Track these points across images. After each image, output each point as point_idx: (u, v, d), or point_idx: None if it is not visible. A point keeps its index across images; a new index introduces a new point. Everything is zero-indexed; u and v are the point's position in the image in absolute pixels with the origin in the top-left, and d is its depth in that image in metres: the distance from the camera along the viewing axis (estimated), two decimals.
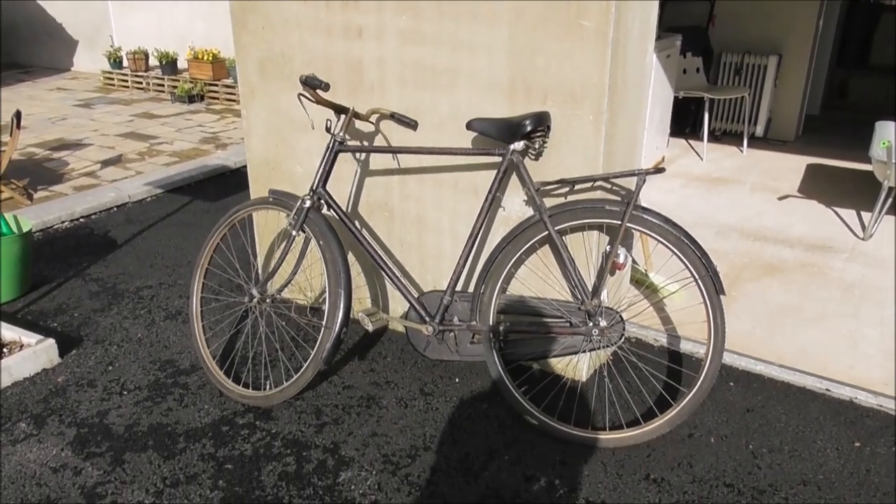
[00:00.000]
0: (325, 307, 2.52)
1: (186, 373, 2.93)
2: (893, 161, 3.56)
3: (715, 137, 6.11)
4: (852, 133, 6.53)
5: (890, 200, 3.77)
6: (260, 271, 3.17)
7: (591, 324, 2.35)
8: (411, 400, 2.69)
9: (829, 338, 2.94)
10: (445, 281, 2.92)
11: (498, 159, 2.50)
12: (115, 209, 4.98)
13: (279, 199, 2.71)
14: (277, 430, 2.54)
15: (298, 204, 2.60)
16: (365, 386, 2.79)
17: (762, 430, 2.46)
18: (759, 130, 6.07)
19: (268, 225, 3.40)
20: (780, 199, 4.74)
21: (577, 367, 2.70)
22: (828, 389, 2.67)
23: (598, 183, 2.45)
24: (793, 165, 5.39)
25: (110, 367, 2.98)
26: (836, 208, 4.51)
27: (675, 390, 2.65)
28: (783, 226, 4.16)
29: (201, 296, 2.94)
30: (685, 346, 2.93)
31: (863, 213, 4.33)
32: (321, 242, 2.57)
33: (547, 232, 2.37)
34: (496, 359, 2.47)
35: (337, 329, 2.49)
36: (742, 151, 5.77)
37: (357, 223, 3.07)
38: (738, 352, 2.86)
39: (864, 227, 4.04)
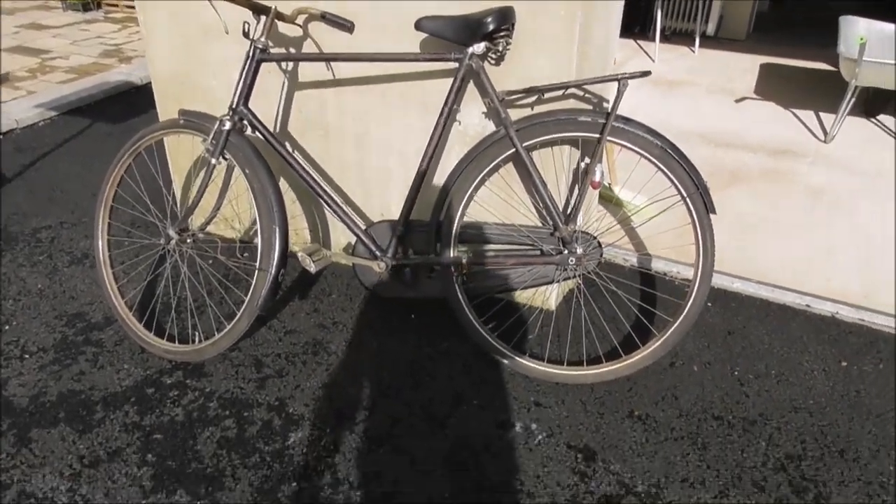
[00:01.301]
0: (258, 245, 2.16)
1: (99, 327, 2.54)
2: (863, 59, 3.36)
3: (665, 37, 5.81)
4: (804, 31, 6.34)
5: (853, 101, 3.60)
6: (177, 207, 2.74)
7: (565, 252, 2.08)
8: (363, 342, 2.39)
9: (803, 250, 2.78)
10: (395, 209, 2.59)
11: (454, 65, 2.13)
12: (1, 137, 4.36)
13: (192, 122, 2.27)
14: (212, 389, 2.22)
15: (216, 126, 2.19)
16: (310, 329, 2.47)
17: (746, 354, 2.29)
18: (711, 29, 5.80)
19: (182, 151, 2.94)
20: (738, 101, 4.52)
21: (546, 295, 2.45)
22: (808, 305, 2.52)
23: (571, 90, 2.12)
24: (747, 65, 5.17)
25: (6, 328, 2.56)
26: (794, 110, 4.33)
27: (653, 315, 2.45)
28: (743, 130, 3.94)
29: (108, 238, 2.52)
30: (658, 266, 2.72)
31: (822, 115, 4.17)
32: (247, 171, 2.18)
33: (514, 149, 2.05)
34: (459, 295, 2.18)
35: (273, 271, 2.14)
36: (694, 52, 5.50)
37: (288, 145, 2.67)
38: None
39: (824, 130, 3.89)
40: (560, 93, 2.13)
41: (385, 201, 2.60)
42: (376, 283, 2.29)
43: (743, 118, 4.26)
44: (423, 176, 2.14)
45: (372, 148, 2.51)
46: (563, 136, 2.05)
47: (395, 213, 2.58)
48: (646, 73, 2.00)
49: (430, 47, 2.21)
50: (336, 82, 2.45)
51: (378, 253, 2.21)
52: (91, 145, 4.22)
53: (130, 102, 4.91)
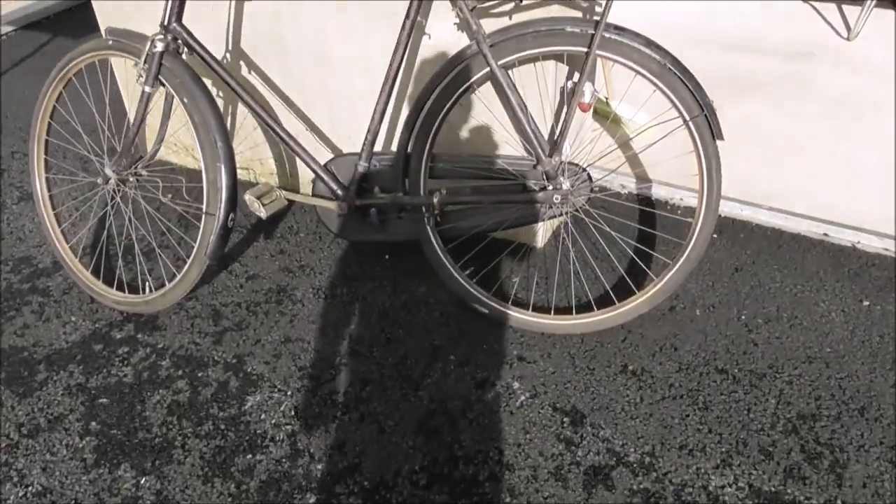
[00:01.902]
0: (203, 186, 1.90)
1: (47, 273, 2.33)
2: None
3: None
4: None
5: None
6: (115, 141, 2.46)
7: (550, 187, 1.81)
8: (332, 288, 2.17)
9: (821, 168, 2.48)
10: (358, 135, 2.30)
11: None
12: None
13: (120, 42, 1.97)
14: (165, 345, 2.02)
15: (147, 48, 1.88)
16: (274, 274, 2.25)
17: (755, 294, 2.05)
18: None
19: (119, 75, 2.63)
20: None
21: (531, 232, 2.20)
22: (826, 234, 2.25)
23: None
24: None
25: None
26: (812, 2, 3.90)
27: (650, 253, 2.20)
28: (755, 28, 3.54)
29: (46, 176, 2.26)
30: (659, 192, 2.45)
31: (844, 7, 3.74)
32: (185, 100, 1.89)
33: (488, 68, 1.74)
34: (432, 237, 1.94)
35: (221, 216, 1.89)
36: None
37: (244, 65, 2.35)
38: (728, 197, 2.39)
39: (847, 25, 3.48)
40: None
41: (353, 129, 2.31)
42: (340, 226, 2.04)
43: (755, 13, 3.85)
44: (386, 101, 1.85)
45: (335, 67, 2.20)
46: (544, 50, 1.74)
47: (360, 140, 2.30)
48: None
49: None
50: None
51: (339, 192, 1.95)
52: (49, 64, 3.86)
53: (93, 14, 4.51)
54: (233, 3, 2.24)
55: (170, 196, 2.20)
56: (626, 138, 2.34)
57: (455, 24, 1.91)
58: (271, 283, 2.21)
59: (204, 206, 1.91)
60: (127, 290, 2.16)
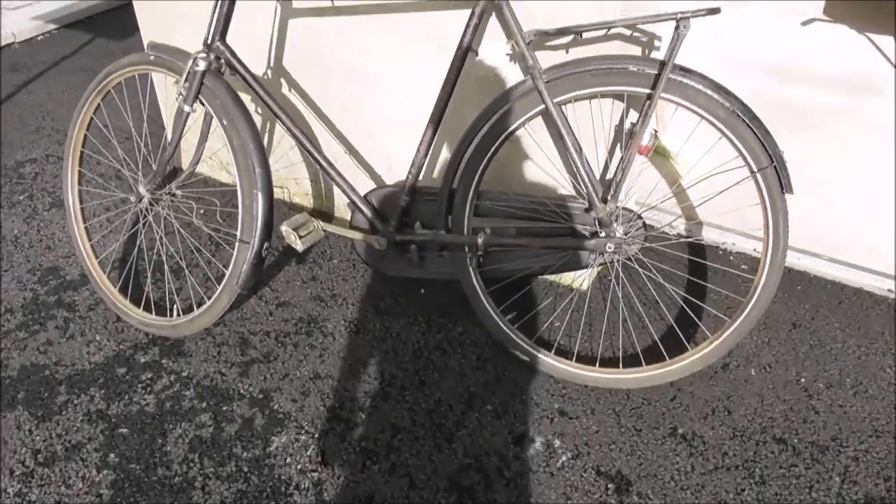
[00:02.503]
0: (239, 212, 1.82)
1: (74, 286, 2.27)
2: None
3: None
4: None
5: None
6: (150, 158, 2.39)
7: (603, 234, 1.70)
8: (364, 322, 2.08)
9: (886, 218, 2.33)
10: (402, 163, 2.20)
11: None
12: None
13: (162, 58, 1.90)
14: (190, 373, 1.94)
15: (189, 66, 1.81)
16: (305, 302, 2.16)
17: (815, 354, 1.92)
18: None
19: (167, 90, 2.57)
20: (804, 24, 3.93)
21: (576, 274, 2.08)
22: (890, 291, 2.11)
23: (617, 30, 1.68)
24: None
25: None
26: (869, 34, 3.73)
27: (702, 298, 2.07)
28: (811, 59, 3.39)
29: (79, 189, 2.20)
30: (710, 236, 2.32)
31: None
32: (224, 122, 1.81)
33: (542, 106, 1.64)
34: (474, 279, 1.83)
35: (256, 244, 1.81)
36: None
37: (284, 83, 2.28)
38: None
39: None
40: (603, 32, 1.69)
41: (391, 152, 2.22)
42: (377, 260, 1.94)
43: (811, 44, 3.69)
44: (433, 134, 1.75)
45: (378, 89, 2.11)
46: (604, 90, 1.63)
47: (401, 169, 2.21)
48: (714, 11, 1.55)
49: None
50: (336, 11, 2.03)
51: (379, 226, 1.85)
52: (89, 64, 3.86)
53: (134, 15, 4.48)
54: (276, 20, 2.17)
55: (203, 220, 2.12)
56: (680, 182, 2.21)
57: (507, 55, 1.82)
58: (302, 312, 2.12)
59: (238, 233, 1.83)
60: (154, 311, 2.08)
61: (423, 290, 2.17)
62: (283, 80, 2.29)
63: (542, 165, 1.92)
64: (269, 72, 2.29)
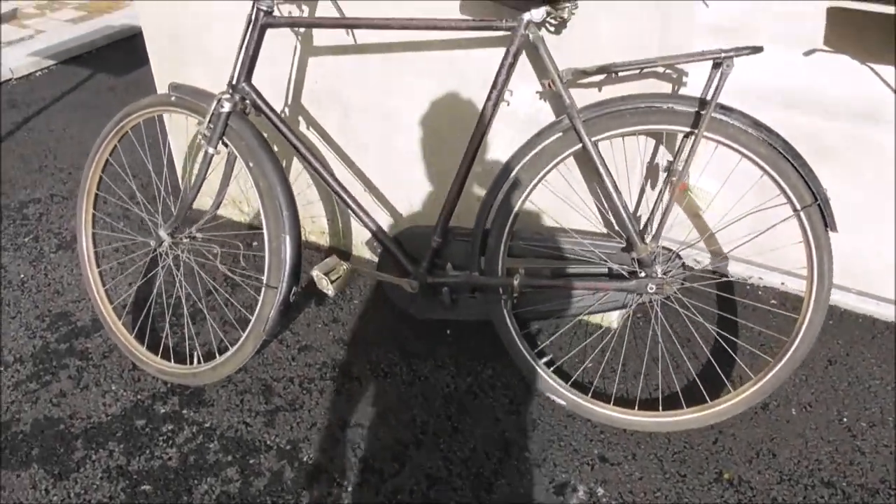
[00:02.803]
0: (266, 256, 1.77)
1: (86, 333, 2.19)
2: None
3: None
4: None
5: None
6: (170, 202, 2.33)
7: (643, 274, 1.66)
8: (391, 365, 2.02)
9: None
10: (424, 201, 2.17)
11: (506, 34, 1.67)
12: None
13: (185, 100, 1.85)
14: (213, 424, 1.87)
15: (213, 107, 1.76)
16: (328, 345, 2.10)
17: (854, 392, 1.88)
18: None
19: (181, 129, 2.53)
20: (806, 54, 3.96)
21: (609, 313, 2.04)
22: None
23: (654, 69, 1.66)
24: (810, 9, 4.53)
25: None
26: (871, 64, 3.77)
27: (735, 335, 2.03)
28: (816, 89, 3.40)
29: (93, 232, 2.14)
30: (735, 270, 2.29)
31: None
32: (250, 164, 1.77)
33: (580, 145, 1.61)
34: (508, 321, 1.79)
35: (283, 290, 1.75)
36: None
37: (302, 121, 2.24)
38: (804, 275, 2.22)
39: None
40: (638, 71, 1.67)
41: (412, 191, 2.18)
42: (406, 302, 1.89)
43: (814, 74, 3.71)
44: (466, 173, 1.72)
45: (400, 128, 2.08)
46: (643, 128, 1.60)
47: (424, 208, 2.17)
48: (757, 50, 1.54)
49: (475, 12, 1.75)
50: (358, 49, 2.01)
51: (409, 267, 1.80)
52: (90, 100, 3.81)
53: (135, 49, 4.44)
54: (296, 57, 2.14)
55: (225, 263, 2.05)
56: (701, 214, 2.18)
57: (538, 92, 1.79)
58: (325, 356, 2.06)
59: (265, 278, 1.78)
60: (172, 359, 2.01)
61: (448, 332, 2.11)
62: (300, 118, 2.26)
63: (575, 203, 1.89)
64: (287, 109, 2.26)
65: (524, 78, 1.81)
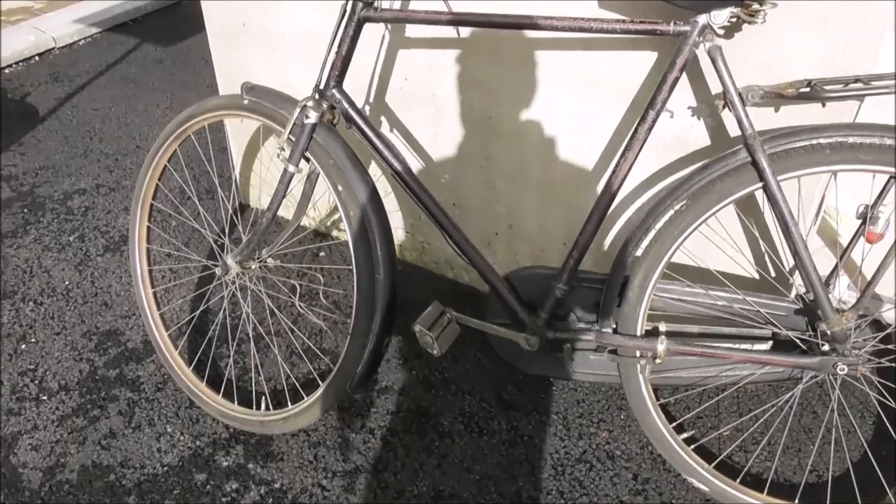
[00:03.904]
0: (354, 299, 1.48)
1: (137, 357, 1.94)
2: None
3: None
4: None
5: None
6: (239, 226, 2.01)
7: (827, 347, 1.33)
8: (487, 419, 1.73)
9: None
10: (545, 245, 1.85)
11: (674, 39, 1.33)
12: (37, 58, 3.70)
13: (260, 105, 1.55)
14: (284, 485, 1.60)
15: (296, 116, 1.46)
16: (411, 387, 1.82)
17: None
18: None
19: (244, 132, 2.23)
20: None
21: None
22: None
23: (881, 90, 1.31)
24: None
25: (23, 346, 1.98)
26: None
27: None
28: None
29: (148, 247, 1.86)
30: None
31: None
32: (340, 188, 1.46)
33: (760, 183, 1.28)
34: (644, 389, 1.48)
35: (375, 339, 1.46)
36: None
37: (385, 120, 1.93)
38: None
39: None
40: (841, 87, 1.31)
41: (512, 213, 1.87)
42: (516, 356, 1.58)
43: None
44: (605, 209, 1.40)
45: (507, 138, 1.76)
46: (844, 168, 1.26)
47: (534, 244, 1.86)
48: None
49: (617, 7, 1.41)
50: (460, 44, 1.68)
51: (525, 318, 1.49)
52: (136, 74, 3.53)
53: (186, 16, 4.15)
54: (382, 51, 1.82)
55: (302, 297, 1.76)
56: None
57: (691, 108, 1.45)
58: (409, 402, 1.78)
59: (352, 323, 1.49)
60: (237, 400, 1.75)
61: (551, 379, 1.81)
62: (383, 119, 1.95)
63: (736, 252, 1.56)
64: (367, 108, 1.95)
65: (685, 97, 1.48)
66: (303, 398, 1.61)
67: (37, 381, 1.87)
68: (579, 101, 1.60)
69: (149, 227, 1.85)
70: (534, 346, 1.46)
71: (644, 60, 1.48)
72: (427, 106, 1.85)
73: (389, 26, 1.76)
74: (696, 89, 1.44)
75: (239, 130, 2.29)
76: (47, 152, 2.88)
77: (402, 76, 1.85)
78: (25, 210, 2.53)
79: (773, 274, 1.58)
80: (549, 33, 1.54)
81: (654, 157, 1.55)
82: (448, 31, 1.69)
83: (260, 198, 2.39)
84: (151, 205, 1.83)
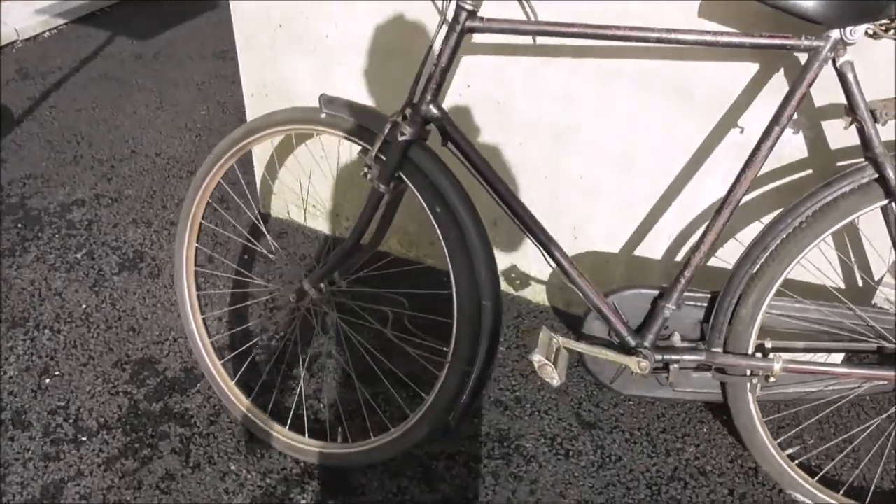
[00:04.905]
0: (454, 326, 1.39)
1: (181, 387, 1.80)
2: None
3: None
4: None
5: None
6: (268, 237, 1.86)
7: None
8: (570, 439, 1.68)
9: None
10: (604, 244, 1.80)
11: (799, 55, 1.29)
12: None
13: (342, 120, 1.44)
14: None
15: (386, 133, 1.36)
16: (487, 409, 1.75)
17: None
18: None
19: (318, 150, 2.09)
20: None
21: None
22: None
23: None
24: None
25: (47, 380, 1.81)
26: None
27: None
28: None
29: (195, 269, 1.72)
30: None
31: None
32: (438, 209, 1.37)
33: (886, 201, 1.26)
34: (753, 409, 1.45)
35: (479, 370, 1.39)
36: None
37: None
38: None
39: None
40: None
41: (580, 225, 1.81)
42: (611, 377, 1.53)
43: None
44: (724, 224, 1.35)
45: (581, 149, 1.70)
46: None
47: (603, 250, 1.81)
48: None
49: (718, 15, 1.37)
50: (533, 50, 1.61)
51: (632, 341, 1.44)
52: (116, 71, 3.29)
53: (159, 7, 3.90)
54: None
55: (391, 331, 1.65)
56: None
57: (792, 122, 1.43)
58: (488, 426, 1.71)
59: (450, 351, 1.40)
60: (307, 432, 1.64)
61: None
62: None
63: (830, 266, 1.55)
64: None
65: (765, 100, 1.44)
66: (388, 429, 1.52)
67: (71, 421, 1.71)
68: (668, 113, 1.55)
69: (197, 249, 1.71)
70: (645, 369, 1.41)
71: (743, 71, 1.44)
72: (490, 114, 1.77)
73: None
74: (808, 104, 1.41)
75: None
76: (32, 159, 2.66)
77: (464, 83, 1.76)
78: (20, 225, 2.33)
79: (867, 285, 1.57)
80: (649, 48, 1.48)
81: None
82: (523, 38, 1.61)
83: (289, 210, 2.26)
84: (201, 224, 1.69)
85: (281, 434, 1.63)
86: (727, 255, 1.62)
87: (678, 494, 1.56)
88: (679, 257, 1.74)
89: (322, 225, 2.26)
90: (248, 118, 2.20)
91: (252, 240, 2.12)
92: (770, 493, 1.56)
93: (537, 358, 1.34)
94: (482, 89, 1.75)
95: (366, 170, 1.41)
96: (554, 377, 1.34)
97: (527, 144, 1.77)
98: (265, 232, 2.16)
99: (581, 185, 1.76)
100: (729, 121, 1.50)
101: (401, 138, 1.35)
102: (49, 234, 2.29)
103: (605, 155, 1.68)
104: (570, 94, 1.64)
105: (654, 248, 1.76)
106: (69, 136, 2.80)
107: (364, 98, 1.88)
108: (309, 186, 2.12)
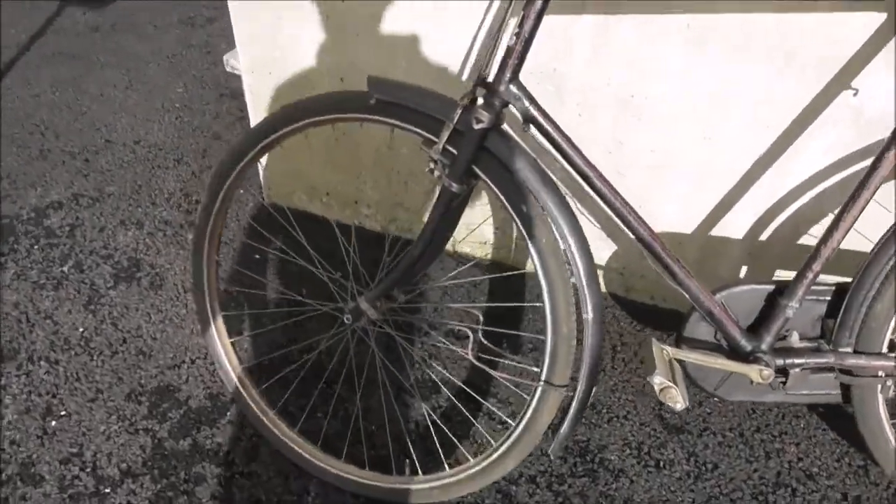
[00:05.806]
0: (547, 344, 1.19)
1: (209, 418, 1.58)
2: None
3: None
4: None
5: None
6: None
7: None
8: (658, 448, 1.51)
9: None
10: (687, 241, 1.60)
11: None
12: None
13: (395, 106, 1.19)
14: None
15: (456, 118, 1.12)
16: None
17: None
18: None
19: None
20: None
21: None
22: None
23: None
24: None
25: (52, 423, 1.57)
26: None
27: None
28: None
29: (217, 287, 1.48)
30: None
31: None
32: (524, 208, 1.15)
33: None
34: (882, 412, 1.29)
35: (582, 393, 1.19)
36: None
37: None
38: None
39: None
40: None
41: (646, 206, 1.61)
42: (716, 383, 1.35)
43: None
44: (859, 211, 1.16)
45: (652, 121, 1.49)
46: None
47: (673, 230, 1.61)
48: None
49: None
50: (594, 7, 1.38)
51: (747, 346, 1.26)
52: (73, 46, 2.94)
53: None
54: (485, 18, 1.48)
55: (472, 353, 1.42)
56: None
57: None
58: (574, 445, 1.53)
59: (543, 372, 1.20)
60: (367, 465, 1.43)
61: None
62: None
63: None
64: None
65: (889, 57, 1.25)
66: (468, 460, 1.32)
67: (88, 470, 1.48)
68: (767, 75, 1.34)
69: (218, 263, 1.46)
70: (768, 378, 1.22)
71: (863, 23, 1.23)
72: (545, 83, 1.54)
73: None
74: None
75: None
76: None
77: None
78: None
79: None
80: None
81: (853, 138, 1.32)
82: None
83: (297, 195, 2.01)
84: (220, 235, 1.44)
85: (335, 467, 1.42)
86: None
87: (788, 503, 1.41)
88: (764, 237, 1.56)
89: (338, 214, 2.02)
90: (248, 101, 1.93)
91: (286, 249, 1.87)
92: (884, 493, 1.42)
93: (658, 380, 1.15)
94: (536, 55, 1.49)
95: (431, 165, 1.17)
96: (678, 401, 1.15)
97: (587, 116, 1.55)
98: (298, 235, 1.91)
99: (652, 159, 1.55)
100: (840, 82, 1.30)
101: (476, 126, 1.11)
102: (26, 245, 2.01)
103: (683, 125, 1.47)
104: (642, 59, 1.42)
105: (735, 227, 1.57)
106: (30, 127, 2.48)
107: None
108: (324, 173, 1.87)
